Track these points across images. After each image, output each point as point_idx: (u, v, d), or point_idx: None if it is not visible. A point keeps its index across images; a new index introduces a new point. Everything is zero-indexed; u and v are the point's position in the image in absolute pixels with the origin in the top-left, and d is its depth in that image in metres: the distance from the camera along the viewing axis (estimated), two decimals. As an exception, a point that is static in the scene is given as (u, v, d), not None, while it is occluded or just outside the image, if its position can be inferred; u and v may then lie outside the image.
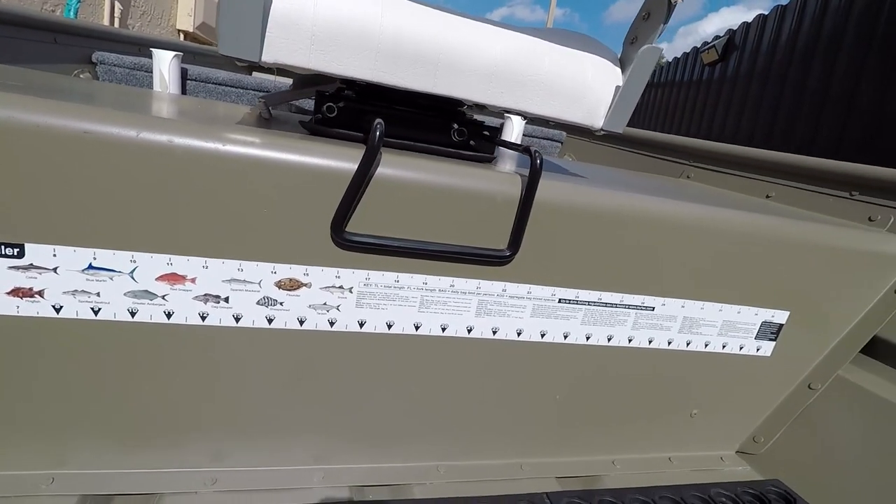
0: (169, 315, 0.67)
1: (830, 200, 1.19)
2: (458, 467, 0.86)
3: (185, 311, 0.67)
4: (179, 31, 5.34)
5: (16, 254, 0.60)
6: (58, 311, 0.63)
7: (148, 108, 0.78)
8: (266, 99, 1.00)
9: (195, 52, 2.69)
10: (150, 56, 1.77)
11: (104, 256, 0.63)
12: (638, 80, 0.80)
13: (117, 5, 4.11)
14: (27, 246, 0.60)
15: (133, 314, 0.66)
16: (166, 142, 0.60)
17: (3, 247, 0.60)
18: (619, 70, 0.83)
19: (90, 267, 0.63)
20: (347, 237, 0.67)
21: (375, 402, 0.80)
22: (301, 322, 0.72)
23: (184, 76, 1.83)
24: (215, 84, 1.87)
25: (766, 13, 5.79)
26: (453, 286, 0.76)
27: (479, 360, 0.82)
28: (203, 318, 0.68)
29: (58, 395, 0.67)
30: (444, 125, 0.82)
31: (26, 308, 0.62)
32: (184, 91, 1.84)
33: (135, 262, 0.64)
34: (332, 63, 0.68)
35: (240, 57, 0.63)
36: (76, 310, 0.64)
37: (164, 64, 1.73)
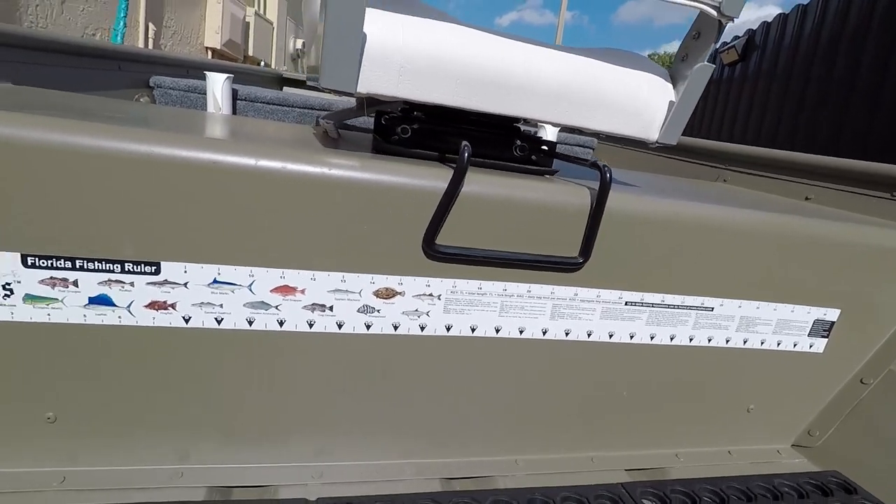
0: (281, 323, 0.74)
1: (871, 201, 1.23)
2: (534, 461, 0.92)
3: (296, 319, 0.74)
4: (207, 48, 5.50)
5: (153, 271, 0.68)
6: (187, 321, 0.71)
7: (243, 135, 0.85)
8: (333, 119, 1.07)
9: (243, 72, 2.81)
10: (198, 77, 1.87)
11: (227, 272, 0.70)
12: (692, 96, 0.86)
13: (151, 26, 4.27)
14: (163, 264, 0.68)
15: (250, 323, 0.73)
16: (280, 168, 0.68)
17: (143, 265, 0.68)
18: (670, 86, 0.88)
19: (215, 281, 0.70)
20: (438, 249, 0.74)
21: (460, 400, 0.87)
22: (395, 327, 0.79)
23: (233, 96, 1.93)
24: (263, 103, 1.96)
25: (787, 13, 5.75)
26: (530, 292, 0.82)
27: (554, 361, 0.88)
28: (310, 325, 0.75)
29: (185, 396, 0.75)
30: (507, 141, 0.88)
31: (161, 319, 0.70)
32: (234, 110, 1.94)
33: (252, 276, 0.71)
34: (417, 91, 0.75)
35: (338, 89, 0.71)
36: (202, 320, 0.72)
37: (218, 86, 1.83)
